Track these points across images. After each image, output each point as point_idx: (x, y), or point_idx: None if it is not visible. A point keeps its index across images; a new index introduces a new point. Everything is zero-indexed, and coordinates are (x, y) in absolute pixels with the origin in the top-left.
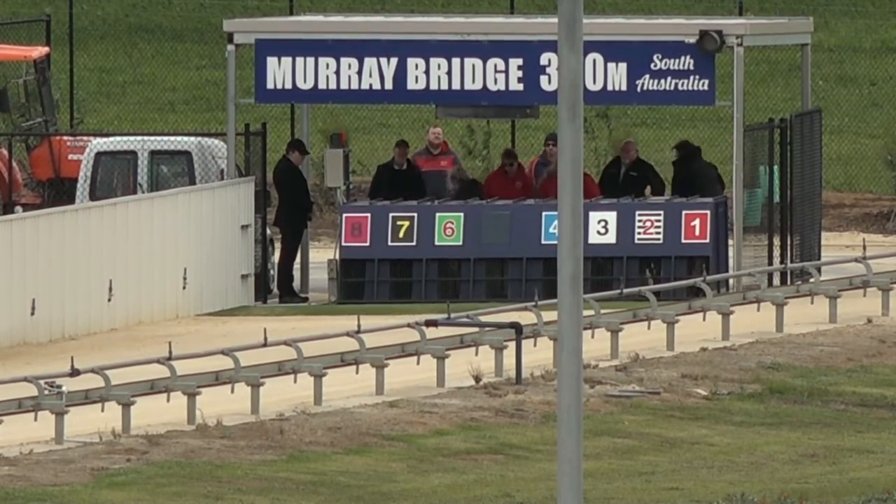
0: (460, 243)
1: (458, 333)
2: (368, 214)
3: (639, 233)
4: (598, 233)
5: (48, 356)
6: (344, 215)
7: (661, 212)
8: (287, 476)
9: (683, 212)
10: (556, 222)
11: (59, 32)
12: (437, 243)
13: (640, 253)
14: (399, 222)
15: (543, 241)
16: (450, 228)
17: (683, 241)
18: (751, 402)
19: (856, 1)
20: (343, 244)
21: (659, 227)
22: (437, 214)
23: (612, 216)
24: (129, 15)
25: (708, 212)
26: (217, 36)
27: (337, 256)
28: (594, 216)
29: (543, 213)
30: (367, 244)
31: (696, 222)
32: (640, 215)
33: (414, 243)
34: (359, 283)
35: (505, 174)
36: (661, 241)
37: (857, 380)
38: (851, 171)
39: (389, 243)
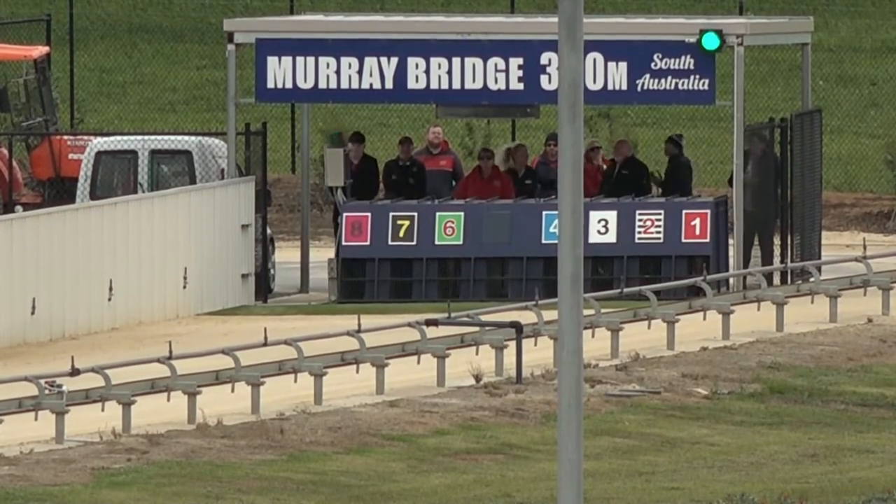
0: (461, 243)
1: (459, 333)
2: (369, 214)
3: (639, 232)
4: (599, 232)
5: (48, 355)
6: (344, 214)
7: (662, 211)
8: (287, 476)
9: (684, 211)
10: (556, 222)
11: (60, 32)
12: (437, 242)
13: (641, 252)
14: (399, 221)
15: (544, 241)
16: (450, 228)
17: (684, 240)
18: (751, 402)
19: (856, 1)
20: (343, 243)
21: (659, 226)
22: (438, 214)
23: (612, 216)
24: (130, 15)
25: (708, 211)
26: (217, 35)
27: (337, 256)
28: (594, 216)
29: (544, 213)
30: (368, 243)
31: (697, 222)
32: (640, 215)
33: (414, 243)
34: (359, 283)
35: (480, 173)
36: (661, 241)
37: (858, 379)
38: (851, 171)
39: (390, 242)
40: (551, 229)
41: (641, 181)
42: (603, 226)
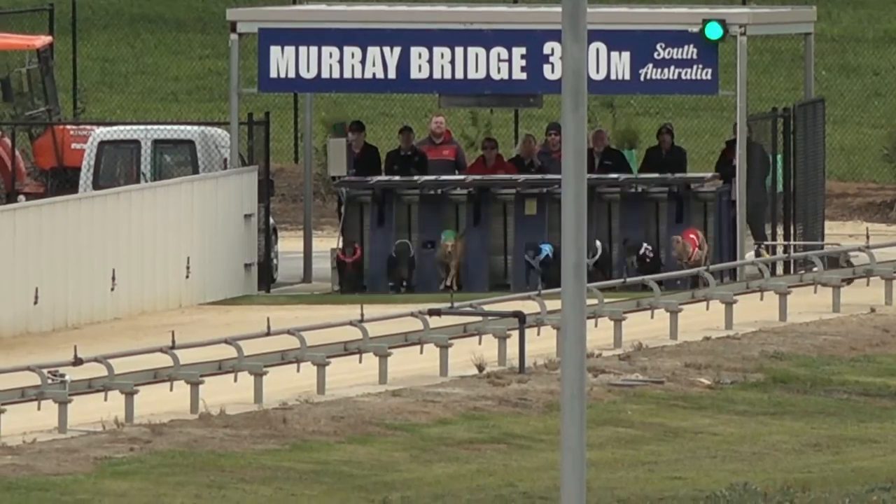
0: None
1: (462, 322)
2: None
3: None
4: None
5: (51, 345)
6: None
7: None
8: (290, 465)
9: None
10: None
11: (63, 22)
12: None
13: None
14: None
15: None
16: None
17: None
18: (754, 392)
19: None
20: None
21: None
22: None
23: None
24: (132, 4)
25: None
26: (220, 25)
27: (340, 245)
28: None
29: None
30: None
31: None
32: None
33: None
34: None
35: (484, 163)
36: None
37: (860, 369)
38: (854, 161)
39: None
40: None
41: (624, 170)
42: None
